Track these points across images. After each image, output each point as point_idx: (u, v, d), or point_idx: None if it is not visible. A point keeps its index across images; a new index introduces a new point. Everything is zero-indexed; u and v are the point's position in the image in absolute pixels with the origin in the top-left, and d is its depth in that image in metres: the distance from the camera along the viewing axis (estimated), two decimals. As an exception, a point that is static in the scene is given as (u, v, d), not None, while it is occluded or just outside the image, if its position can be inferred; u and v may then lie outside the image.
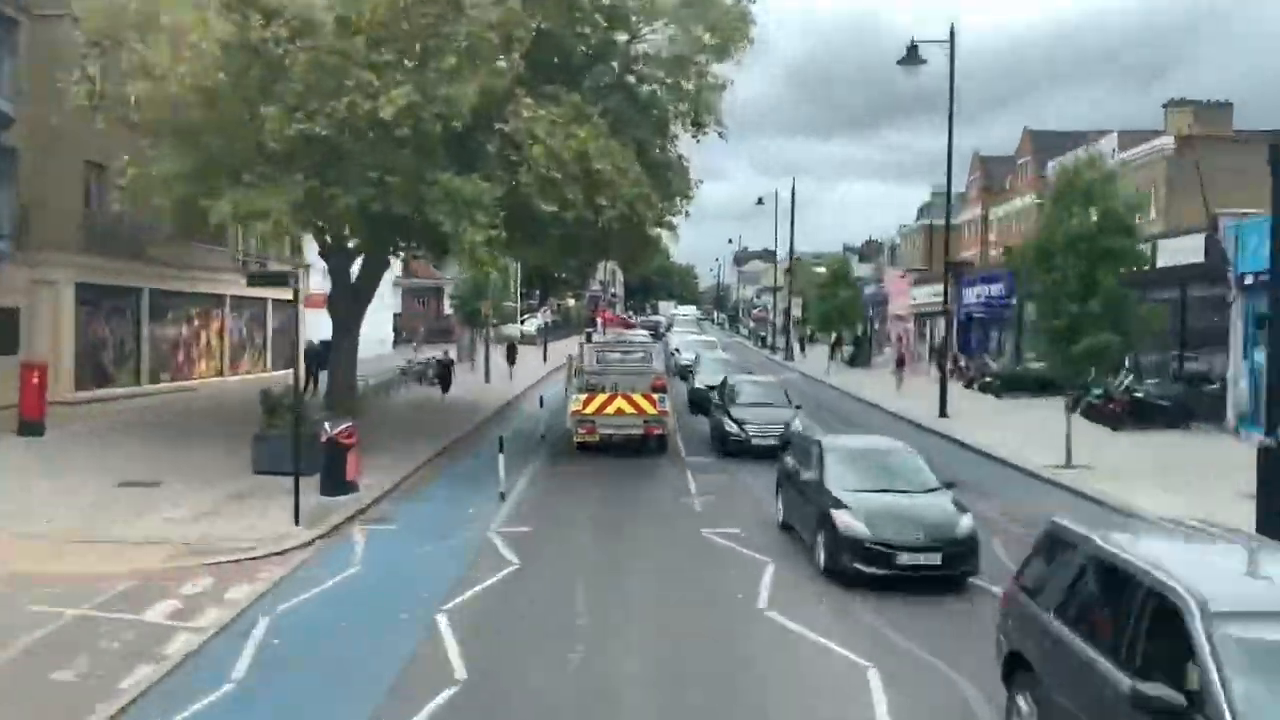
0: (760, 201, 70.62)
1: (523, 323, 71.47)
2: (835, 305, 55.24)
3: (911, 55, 28.49)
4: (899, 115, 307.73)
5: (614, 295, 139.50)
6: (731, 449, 22.25)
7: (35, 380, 22.15)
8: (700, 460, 22.01)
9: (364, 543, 14.11)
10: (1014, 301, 39.92)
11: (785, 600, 11.60)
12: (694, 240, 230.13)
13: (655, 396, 22.16)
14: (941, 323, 40.31)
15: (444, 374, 34.48)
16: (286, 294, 16.35)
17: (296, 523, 14.12)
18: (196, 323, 33.60)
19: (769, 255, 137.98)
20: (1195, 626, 5.66)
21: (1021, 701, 7.58)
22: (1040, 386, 31.11)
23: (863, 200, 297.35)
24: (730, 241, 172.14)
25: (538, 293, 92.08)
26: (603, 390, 22.20)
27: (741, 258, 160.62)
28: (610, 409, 21.94)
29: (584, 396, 22.11)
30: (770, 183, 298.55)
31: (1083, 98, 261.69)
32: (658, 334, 61.42)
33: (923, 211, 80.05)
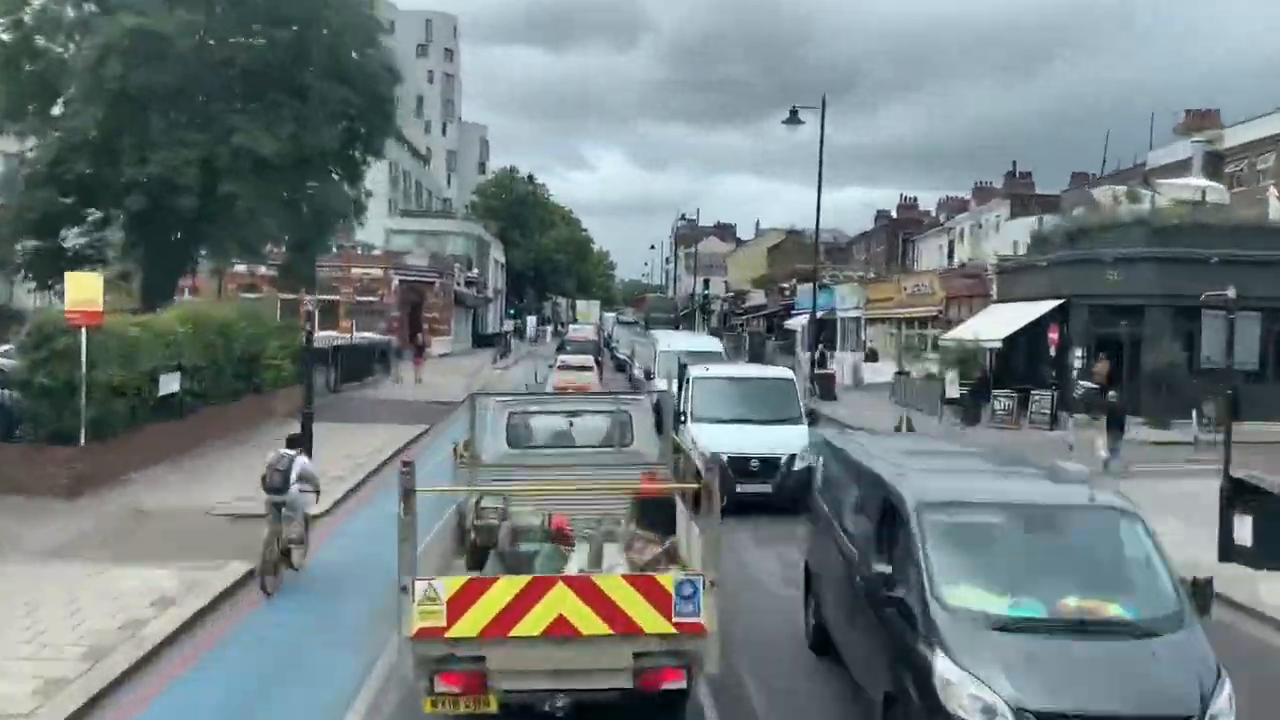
0: (793, 112, 35.05)
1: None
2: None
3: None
4: (782, 106, 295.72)
5: (472, 281, 68.41)
6: None
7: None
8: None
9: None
10: None
11: None
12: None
13: (657, 570, 7.95)
14: None
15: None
16: None
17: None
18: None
19: (725, 230, 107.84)
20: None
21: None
22: None
23: (747, 194, 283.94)
24: (683, 217, 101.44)
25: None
26: (514, 558, 8.55)
27: (686, 235, 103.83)
28: (533, 619, 7.04)
29: (456, 582, 7.22)
30: (645, 175, 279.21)
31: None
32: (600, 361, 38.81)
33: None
